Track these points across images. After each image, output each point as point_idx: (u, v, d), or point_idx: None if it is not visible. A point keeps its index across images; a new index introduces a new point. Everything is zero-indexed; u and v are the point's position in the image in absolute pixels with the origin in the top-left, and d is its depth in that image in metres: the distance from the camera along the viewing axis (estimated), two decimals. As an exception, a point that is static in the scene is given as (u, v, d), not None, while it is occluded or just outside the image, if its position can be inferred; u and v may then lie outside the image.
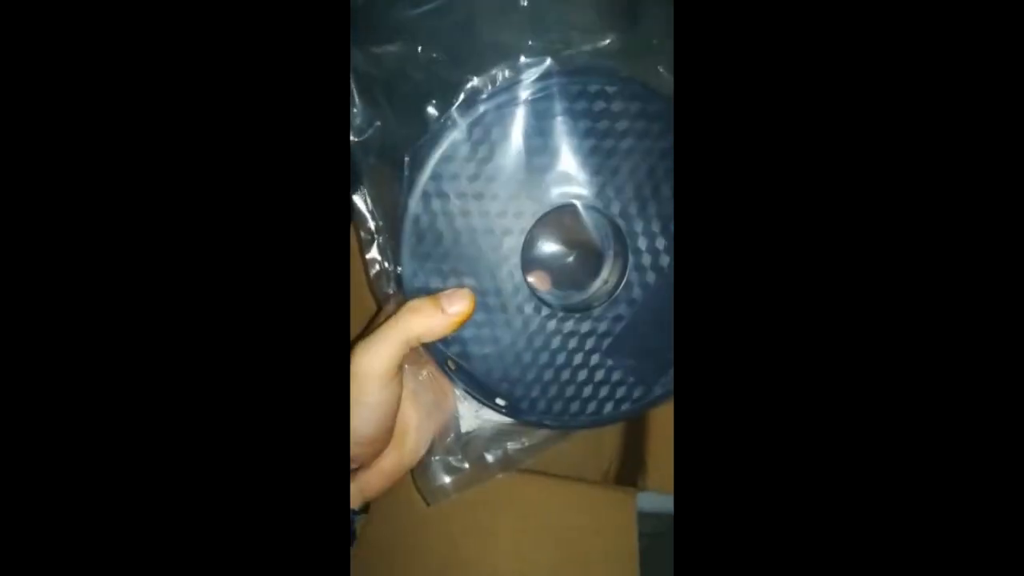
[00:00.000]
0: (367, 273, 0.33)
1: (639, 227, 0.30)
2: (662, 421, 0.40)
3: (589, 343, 0.31)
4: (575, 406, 0.32)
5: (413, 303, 0.29)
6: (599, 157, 0.29)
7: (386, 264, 0.32)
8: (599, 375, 0.31)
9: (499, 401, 0.31)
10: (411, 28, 0.28)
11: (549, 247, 0.32)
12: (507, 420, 0.34)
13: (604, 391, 0.32)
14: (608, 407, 0.32)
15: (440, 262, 0.30)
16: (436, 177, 0.29)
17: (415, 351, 0.32)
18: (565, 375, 0.31)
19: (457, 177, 0.29)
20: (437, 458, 0.35)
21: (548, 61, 0.28)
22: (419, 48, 0.28)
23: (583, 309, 0.31)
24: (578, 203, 0.30)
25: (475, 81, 0.28)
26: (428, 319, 0.28)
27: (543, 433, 0.36)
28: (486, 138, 0.29)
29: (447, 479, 0.35)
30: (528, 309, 0.31)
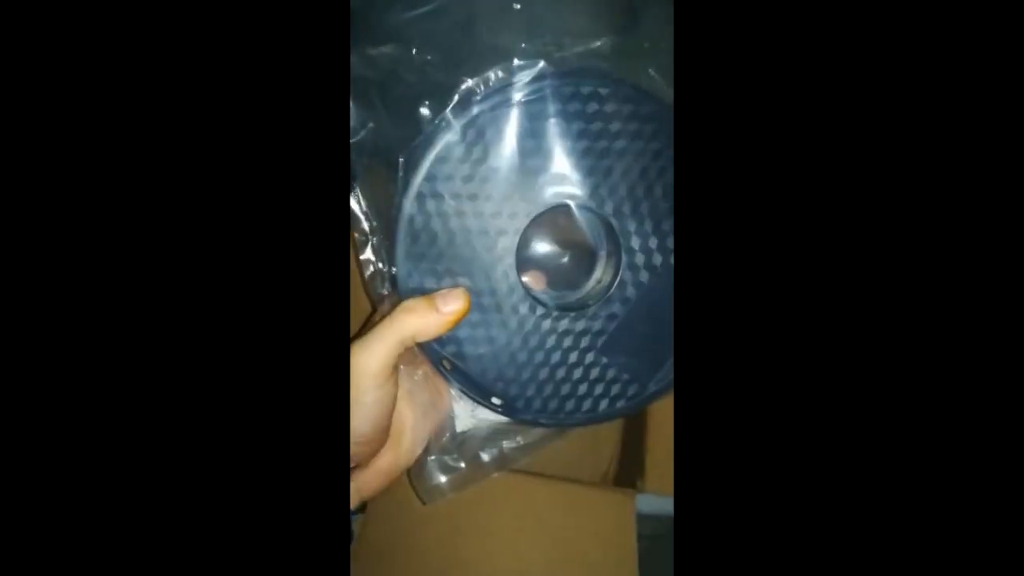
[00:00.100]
0: (362, 274, 0.33)
1: (632, 227, 0.31)
2: (661, 423, 0.40)
3: (584, 342, 0.31)
4: (570, 404, 0.32)
5: (408, 303, 0.29)
6: (592, 158, 0.30)
7: (381, 265, 0.33)
8: (594, 373, 0.32)
9: (495, 400, 0.32)
10: (405, 30, 0.28)
11: (543, 247, 0.32)
12: (503, 419, 0.34)
13: (599, 389, 0.32)
14: (603, 405, 0.32)
15: (435, 262, 0.30)
16: (431, 178, 0.29)
17: (410, 351, 0.32)
18: (560, 374, 0.32)
19: (451, 178, 0.29)
20: (433, 458, 0.35)
21: (541, 63, 0.28)
22: (413, 50, 0.28)
23: (577, 308, 0.31)
24: (572, 203, 0.30)
25: (469, 83, 0.28)
26: (423, 319, 0.28)
27: (538, 432, 0.36)
28: (480, 139, 0.29)
29: (443, 478, 0.35)
30: (523, 308, 0.31)
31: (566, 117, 0.29)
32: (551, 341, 0.31)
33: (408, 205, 0.29)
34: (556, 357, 0.31)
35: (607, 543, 0.38)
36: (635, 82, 0.29)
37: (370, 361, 0.28)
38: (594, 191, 0.30)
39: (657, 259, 0.31)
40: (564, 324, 0.31)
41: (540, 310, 0.31)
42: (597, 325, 0.31)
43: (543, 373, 0.31)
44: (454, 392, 0.34)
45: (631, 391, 0.32)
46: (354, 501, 0.33)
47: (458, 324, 0.30)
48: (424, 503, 0.36)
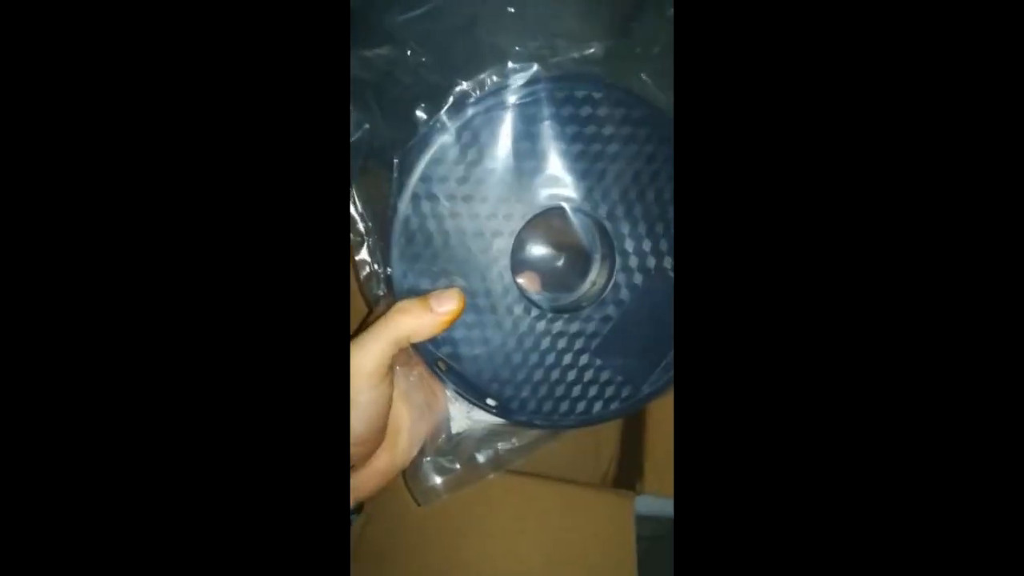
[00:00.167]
0: (357, 275, 0.33)
1: (626, 229, 0.31)
2: (660, 424, 0.40)
3: (578, 343, 0.32)
4: (564, 406, 0.32)
5: (402, 303, 0.29)
6: (586, 161, 0.30)
7: (376, 266, 0.33)
8: (588, 375, 0.32)
9: (489, 401, 0.32)
10: (401, 32, 0.28)
11: (538, 249, 0.33)
12: (498, 421, 0.35)
13: (593, 391, 0.32)
14: (597, 406, 0.32)
15: (430, 263, 0.30)
16: (425, 179, 0.29)
17: (406, 352, 0.32)
18: (554, 375, 0.32)
19: (446, 180, 0.29)
20: (428, 459, 0.35)
21: (535, 67, 0.29)
22: (408, 52, 0.28)
23: (572, 310, 0.32)
24: (566, 206, 0.30)
25: (464, 85, 0.29)
26: (417, 319, 0.29)
27: (534, 433, 0.36)
28: (475, 142, 0.29)
29: (438, 480, 0.35)
30: (517, 310, 0.31)
31: (560, 120, 0.29)
32: (545, 343, 0.31)
33: (403, 206, 0.30)
34: (550, 359, 0.32)
35: (606, 544, 0.38)
36: (628, 86, 0.30)
37: (365, 361, 0.28)
38: (588, 194, 0.30)
39: (651, 262, 0.31)
40: (558, 326, 0.31)
41: (535, 312, 0.31)
42: (591, 327, 0.32)
43: (537, 374, 0.32)
44: (449, 394, 0.34)
45: (625, 393, 0.32)
46: (351, 502, 0.33)
47: (453, 325, 0.30)
48: (419, 505, 0.36)
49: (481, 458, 0.36)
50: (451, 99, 0.29)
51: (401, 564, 0.38)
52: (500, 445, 0.36)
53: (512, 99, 0.29)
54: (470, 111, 0.29)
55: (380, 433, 0.32)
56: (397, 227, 0.30)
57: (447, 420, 0.35)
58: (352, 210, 0.32)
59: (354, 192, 0.32)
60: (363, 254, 0.32)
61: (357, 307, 0.35)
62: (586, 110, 0.29)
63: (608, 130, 0.30)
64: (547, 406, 0.32)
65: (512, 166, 0.29)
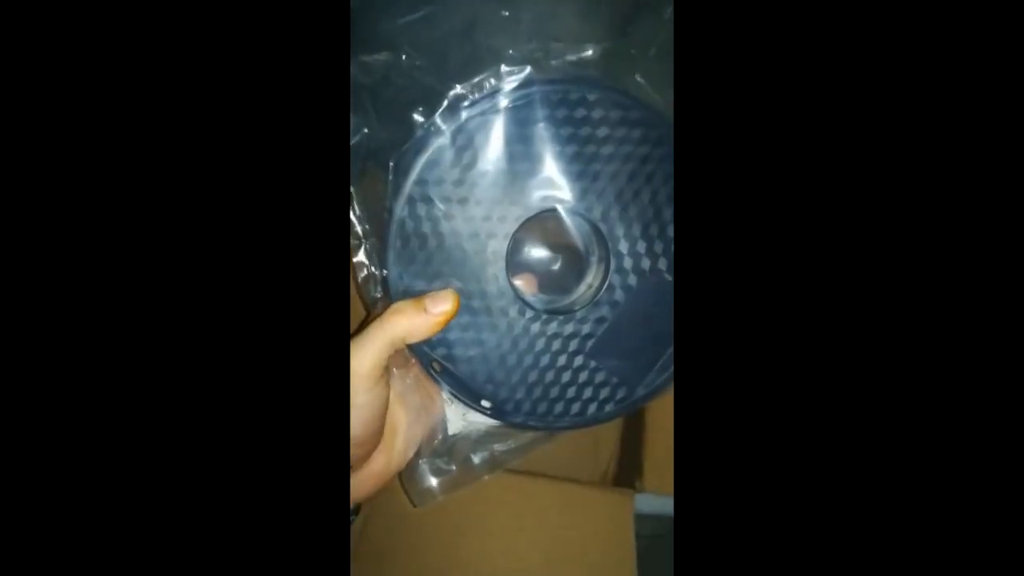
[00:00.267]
0: (355, 278, 0.33)
1: (620, 231, 0.31)
2: (659, 423, 0.40)
3: (572, 345, 0.32)
4: (559, 407, 0.32)
5: (397, 305, 0.29)
6: (580, 163, 0.30)
7: (373, 269, 0.33)
8: (582, 376, 0.32)
9: (484, 403, 0.32)
10: (397, 37, 0.29)
11: (533, 251, 0.33)
12: (494, 422, 0.35)
13: (587, 392, 0.32)
14: (592, 408, 0.32)
15: (425, 265, 0.30)
16: (421, 182, 0.30)
17: (402, 354, 0.32)
18: (549, 377, 0.32)
19: (442, 182, 0.30)
20: (424, 461, 0.35)
21: (529, 69, 0.29)
22: (403, 56, 0.29)
23: (566, 312, 0.32)
24: (560, 208, 0.30)
25: (459, 88, 0.29)
26: (412, 320, 0.29)
27: (530, 435, 0.36)
28: (470, 144, 0.29)
29: (434, 481, 0.35)
30: (512, 312, 0.31)
31: (554, 122, 0.29)
32: (540, 344, 0.31)
33: (399, 209, 0.30)
34: (545, 360, 0.32)
35: (606, 543, 0.38)
36: (623, 88, 0.30)
37: (361, 363, 0.29)
38: (582, 196, 0.30)
39: (645, 263, 0.31)
40: (553, 327, 0.31)
41: (529, 313, 0.31)
42: (586, 328, 0.32)
43: (532, 376, 0.32)
44: (445, 395, 0.34)
45: (620, 394, 0.32)
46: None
47: (448, 326, 0.30)
48: (415, 506, 0.36)
49: (477, 460, 0.36)
50: (446, 102, 0.29)
51: (401, 563, 0.38)
52: (496, 447, 0.36)
53: (506, 102, 0.29)
54: (465, 114, 0.29)
55: (377, 435, 0.32)
56: (393, 229, 0.30)
57: (443, 422, 0.35)
58: (350, 213, 0.32)
59: (353, 195, 0.32)
60: (361, 256, 0.32)
61: (356, 309, 0.35)
62: (580, 112, 0.29)
63: (603, 132, 0.30)
64: (542, 408, 0.32)
65: (507, 168, 0.30)
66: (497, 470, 0.36)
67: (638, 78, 0.29)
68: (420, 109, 0.29)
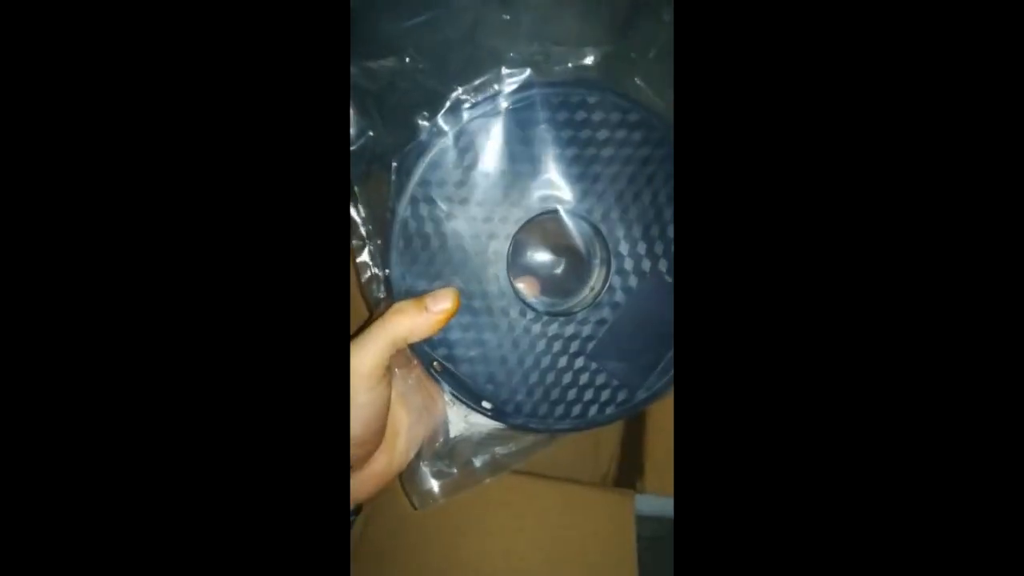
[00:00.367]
0: (359, 278, 0.34)
1: (621, 232, 0.31)
2: (660, 424, 0.40)
3: (573, 346, 0.32)
4: (559, 409, 0.32)
5: (398, 304, 0.29)
6: (581, 165, 0.30)
7: (376, 270, 0.33)
8: (583, 379, 0.32)
9: (485, 404, 0.32)
10: (400, 41, 0.29)
11: (534, 252, 0.33)
12: (495, 425, 0.35)
13: (588, 394, 0.32)
14: (592, 410, 0.32)
15: (428, 265, 0.31)
16: (424, 183, 0.30)
17: (404, 355, 0.32)
18: (550, 378, 0.32)
19: (444, 183, 0.30)
20: (425, 463, 0.35)
21: (530, 72, 0.29)
22: (407, 59, 0.29)
23: (567, 313, 0.32)
24: (561, 209, 0.31)
25: (461, 91, 0.29)
26: (412, 319, 0.29)
27: (531, 438, 0.36)
28: (472, 146, 0.30)
29: (435, 484, 0.35)
30: (513, 312, 0.31)
31: (555, 125, 0.30)
32: (541, 345, 0.31)
33: (401, 209, 0.30)
34: (546, 362, 0.32)
35: (607, 543, 0.38)
36: (622, 91, 0.30)
37: (362, 363, 0.29)
38: (583, 197, 0.31)
39: (646, 265, 0.31)
40: (553, 328, 0.32)
41: (530, 314, 0.31)
42: (586, 330, 0.32)
43: (533, 377, 0.32)
44: (447, 397, 0.35)
45: (620, 397, 0.32)
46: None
47: (449, 326, 0.31)
48: (415, 508, 0.36)
49: (478, 463, 0.36)
50: (448, 104, 0.29)
51: (401, 564, 0.38)
52: (498, 449, 0.36)
53: (508, 104, 0.29)
54: (467, 116, 0.29)
55: (378, 435, 0.32)
56: (396, 230, 0.30)
57: (445, 424, 0.35)
58: (354, 214, 0.33)
59: (357, 198, 0.33)
60: (364, 257, 0.33)
61: (358, 310, 0.36)
62: (580, 114, 0.30)
63: (603, 134, 0.30)
64: (542, 409, 0.32)
65: (508, 170, 0.30)
66: (499, 473, 0.36)
67: (638, 81, 0.30)
68: (423, 111, 0.30)
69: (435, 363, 0.31)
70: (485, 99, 0.29)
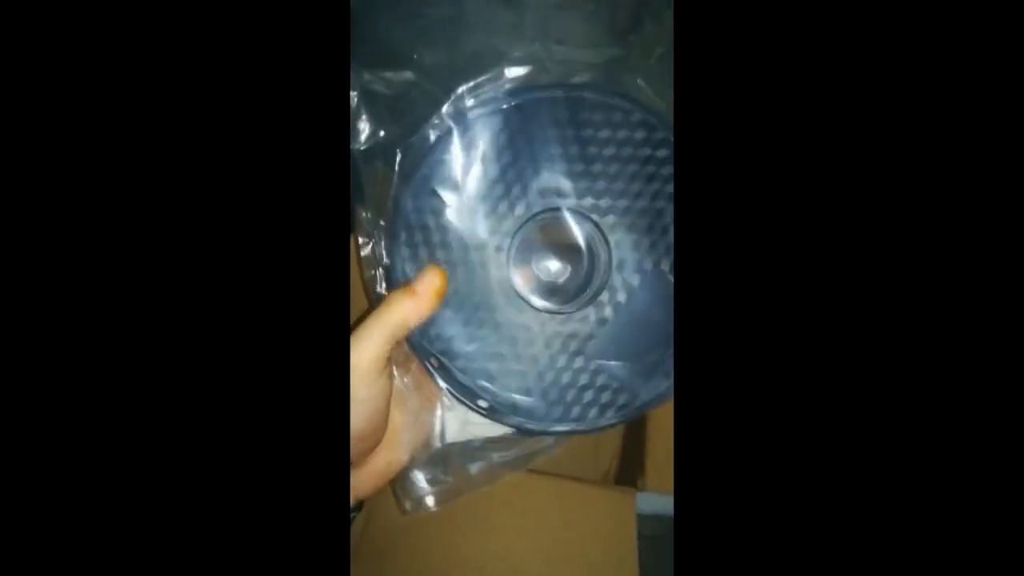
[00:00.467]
0: (362, 275, 0.34)
1: (622, 231, 0.31)
2: (661, 422, 0.40)
3: (572, 345, 0.31)
4: (557, 410, 0.31)
5: (390, 294, 0.30)
6: (583, 163, 0.30)
7: (379, 269, 0.34)
8: (582, 379, 0.31)
9: (480, 403, 0.31)
10: (408, 38, 0.30)
11: (535, 249, 0.33)
12: (492, 433, 0.34)
13: (588, 396, 0.32)
14: (592, 413, 0.32)
15: (428, 259, 0.31)
16: (426, 177, 0.30)
17: (402, 352, 0.32)
18: (547, 377, 0.31)
19: (447, 178, 0.30)
20: (418, 468, 0.35)
21: (533, 71, 0.30)
22: (414, 56, 0.30)
23: (567, 311, 0.31)
24: (562, 206, 0.31)
25: (465, 87, 0.30)
26: (404, 304, 0.29)
27: (528, 445, 0.35)
28: (475, 142, 0.30)
29: (428, 489, 0.35)
30: (512, 309, 0.31)
31: (557, 124, 0.30)
32: (539, 343, 0.31)
33: (404, 203, 0.31)
34: (544, 359, 0.31)
35: (608, 541, 0.37)
36: (624, 91, 0.30)
37: (360, 357, 0.28)
38: (584, 195, 0.31)
39: (647, 264, 0.31)
40: (553, 326, 0.31)
41: (529, 310, 0.31)
42: (586, 328, 0.31)
43: (530, 375, 0.31)
44: (446, 402, 0.34)
45: (621, 400, 0.32)
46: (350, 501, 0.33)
47: (448, 321, 0.31)
48: (405, 513, 0.35)
49: (473, 469, 0.35)
50: (452, 100, 0.30)
51: (402, 562, 0.38)
52: (494, 456, 0.35)
53: (511, 101, 0.30)
54: (471, 112, 0.30)
55: (379, 431, 0.31)
56: (398, 224, 0.31)
57: (441, 428, 0.35)
58: (361, 212, 0.34)
59: (364, 195, 0.33)
60: (367, 252, 0.33)
61: (361, 306, 0.36)
62: (583, 114, 0.30)
63: (604, 133, 0.30)
64: (539, 409, 0.31)
65: (510, 167, 0.30)
66: (493, 481, 0.35)
67: (640, 82, 0.30)
68: (427, 106, 0.30)
69: (432, 358, 0.31)
70: (489, 96, 0.30)
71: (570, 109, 0.30)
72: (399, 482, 0.35)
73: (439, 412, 0.35)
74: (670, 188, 0.31)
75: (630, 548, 0.37)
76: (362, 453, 0.32)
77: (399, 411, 0.33)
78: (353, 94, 0.31)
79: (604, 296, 0.31)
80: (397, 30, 0.30)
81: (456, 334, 0.31)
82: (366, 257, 0.33)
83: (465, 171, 0.30)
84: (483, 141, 0.30)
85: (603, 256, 0.31)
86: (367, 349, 0.29)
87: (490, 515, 0.38)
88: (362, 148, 0.32)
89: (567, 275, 0.32)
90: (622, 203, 0.31)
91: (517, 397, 0.31)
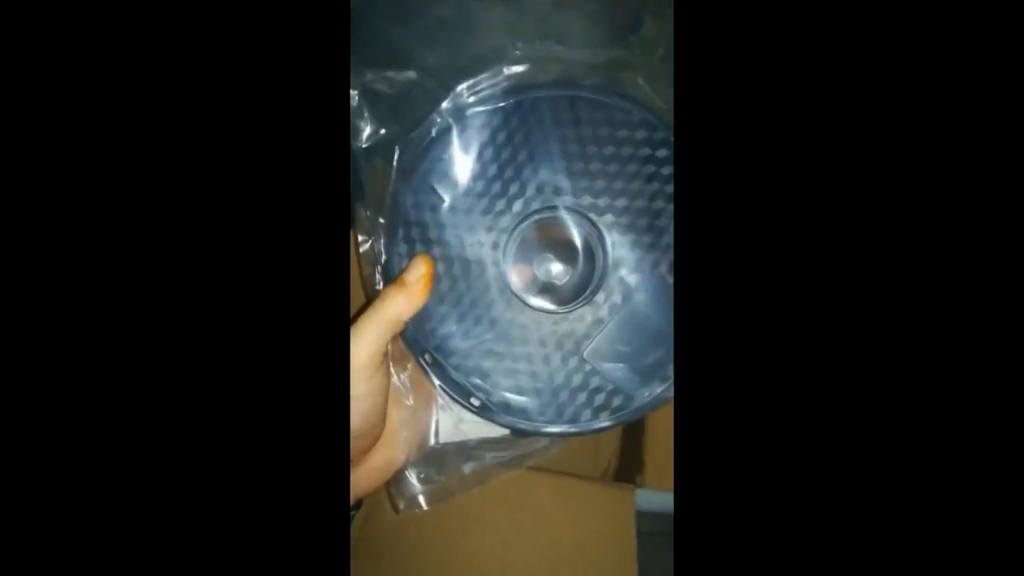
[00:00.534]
0: (361, 273, 0.34)
1: (620, 230, 0.31)
2: (660, 420, 0.39)
3: (567, 345, 0.31)
4: (550, 411, 0.31)
5: (384, 290, 0.30)
6: (581, 162, 0.30)
7: (379, 268, 0.34)
8: (576, 380, 0.31)
9: (473, 401, 0.31)
10: (408, 37, 0.30)
11: (532, 248, 0.32)
12: (487, 432, 0.34)
13: (582, 397, 0.31)
14: (585, 414, 0.31)
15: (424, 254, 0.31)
16: (425, 175, 0.31)
17: (398, 350, 0.32)
18: (541, 376, 0.31)
19: (445, 175, 0.30)
20: (412, 469, 0.34)
21: (533, 69, 0.30)
22: (415, 55, 0.30)
23: (563, 310, 0.31)
24: (560, 205, 0.31)
25: (465, 85, 0.30)
26: (395, 297, 0.29)
27: (523, 446, 0.35)
28: (474, 140, 0.30)
29: (420, 489, 0.35)
30: (507, 306, 0.31)
31: (556, 122, 0.30)
32: (533, 341, 0.31)
33: (402, 199, 0.31)
34: (537, 359, 0.31)
35: (607, 538, 0.37)
36: (624, 90, 0.30)
37: (357, 353, 0.28)
38: (582, 194, 0.30)
39: (645, 265, 0.31)
40: (548, 325, 0.31)
41: (525, 309, 0.31)
42: (582, 329, 0.31)
43: (523, 374, 0.31)
44: (440, 401, 0.34)
45: (616, 403, 0.31)
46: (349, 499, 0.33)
47: (443, 318, 0.31)
48: (397, 512, 0.35)
49: (467, 470, 0.35)
50: (452, 97, 0.30)
51: (401, 559, 0.38)
52: (488, 457, 0.35)
53: (511, 100, 0.30)
54: (470, 110, 0.30)
55: (377, 428, 0.31)
56: (396, 219, 0.31)
57: (436, 429, 0.35)
58: (361, 209, 0.34)
59: (364, 193, 0.34)
60: (366, 248, 0.34)
61: (360, 302, 0.36)
62: (582, 112, 0.30)
63: (603, 132, 0.30)
64: (532, 409, 0.31)
65: (508, 165, 0.30)
66: (486, 482, 0.35)
67: (640, 81, 0.30)
68: (427, 104, 0.30)
69: (426, 355, 0.31)
70: (488, 94, 0.30)
71: (569, 108, 0.30)
72: (392, 481, 0.35)
73: (434, 411, 0.35)
74: (669, 188, 0.30)
75: (629, 545, 0.37)
76: (360, 451, 0.32)
77: (397, 409, 0.33)
78: (355, 93, 0.31)
79: (600, 296, 0.31)
80: (399, 29, 0.30)
81: (451, 331, 0.31)
82: (365, 254, 0.34)
83: (463, 168, 0.30)
84: (482, 139, 0.30)
85: (600, 255, 0.31)
86: (363, 345, 0.29)
87: (489, 512, 0.38)
88: (364, 147, 0.33)
89: (563, 274, 0.32)
90: (620, 202, 0.30)
91: (510, 396, 0.31)
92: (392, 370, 0.33)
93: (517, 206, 0.31)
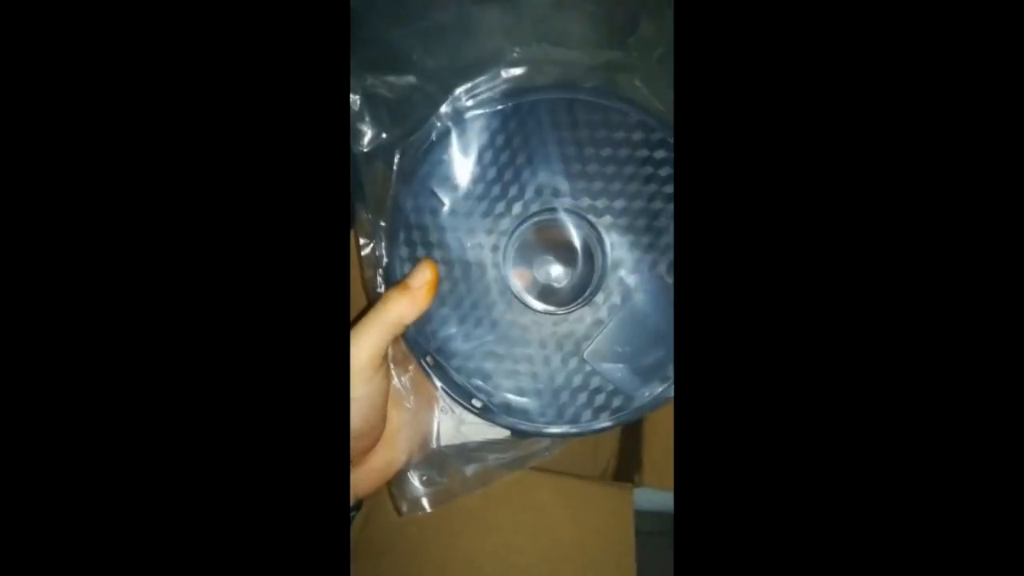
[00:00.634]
0: (362, 275, 0.35)
1: (619, 232, 0.31)
2: (659, 419, 0.39)
3: (567, 345, 0.31)
4: (551, 412, 0.31)
5: (386, 292, 0.30)
6: (580, 163, 0.30)
7: (380, 270, 0.34)
8: (577, 380, 0.31)
9: (474, 402, 0.31)
10: (407, 37, 0.30)
11: (532, 250, 0.33)
12: (488, 434, 0.34)
13: (582, 398, 0.31)
14: (586, 415, 0.31)
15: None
16: (425, 178, 0.31)
17: (400, 352, 0.33)
18: (541, 377, 0.31)
19: (445, 178, 0.31)
20: (414, 471, 0.35)
21: (531, 72, 0.30)
22: (413, 58, 0.30)
23: (563, 311, 0.31)
24: (559, 206, 0.31)
25: (463, 89, 0.30)
26: (398, 300, 0.29)
27: (524, 448, 0.35)
28: (473, 142, 0.30)
29: (423, 491, 0.35)
30: (507, 308, 0.31)
31: (555, 124, 0.30)
32: (533, 342, 0.31)
33: (402, 202, 0.31)
34: (538, 360, 0.31)
35: (606, 538, 0.37)
36: (622, 92, 0.30)
37: (358, 355, 0.29)
38: (580, 196, 0.31)
39: (643, 266, 0.31)
40: (548, 327, 0.31)
41: (525, 311, 0.31)
42: (582, 329, 0.31)
43: (523, 375, 0.31)
44: (441, 404, 0.34)
45: (616, 403, 0.31)
46: (350, 500, 0.33)
47: (444, 320, 0.31)
48: (400, 515, 0.35)
49: (468, 472, 0.35)
50: (450, 101, 0.30)
51: (401, 559, 0.38)
52: (490, 459, 0.35)
53: (509, 103, 0.30)
54: (469, 113, 0.30)
55: (377, 429, 0.32)
56: (396, 222, 0.31)
57: (437, 431, 0.35)
58: (362, 212, 0.34)
59: (364, 194, 0.34)
60: (367, 252, 0.34)
61: (361, 307, 0.37)
62: (580, 114, 0.30)
63: (601, 134, 0.30)
64: (532, 410, 0.31)
65: (507, 167, 0.30)
66: (488, 484, 0.35)
67: (637, 83, 0.30)
68: (426, 107, 0.30)
69: (427, 356, 0.32)
70: (487, 98, 0.30)
71: (567, 110, 0.30)
72: (395, 483, 0.35)
73: (436, 413, 0.35)
74: (667, 189, 0.30)
75: (628, 544, 0.37)
76: (360, 452, 0.32)
77: (397, 410, 0.33)
78: (356, 97, 0.31)
79: (599, 297, 0.31)
80: (399, 34, 0.30)
81: (452, 333, 0.31)
82: (367, 257, 0.34)
83: (463, 171, 0.31)
84: (481, 142, 0.30)
85: (599, 256, 0.31)
86: (363, 346, 0.29)
87: (488, 512, 0.38)
88: (365, 151, 0.33)
89: (563, 275, 0.32)
90: (618, 203, 0.31)
91: (511, 397, 0.31)
92: (393, 372, 0.33)
93: (516, 208, 0.31)
